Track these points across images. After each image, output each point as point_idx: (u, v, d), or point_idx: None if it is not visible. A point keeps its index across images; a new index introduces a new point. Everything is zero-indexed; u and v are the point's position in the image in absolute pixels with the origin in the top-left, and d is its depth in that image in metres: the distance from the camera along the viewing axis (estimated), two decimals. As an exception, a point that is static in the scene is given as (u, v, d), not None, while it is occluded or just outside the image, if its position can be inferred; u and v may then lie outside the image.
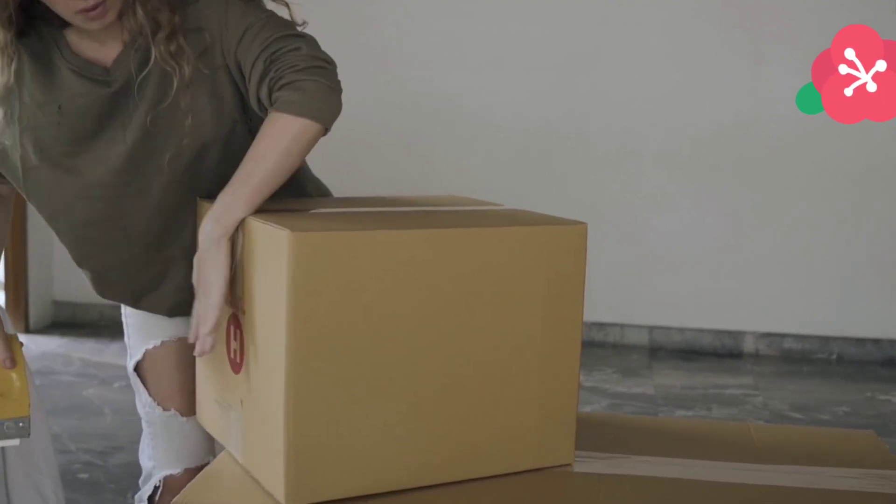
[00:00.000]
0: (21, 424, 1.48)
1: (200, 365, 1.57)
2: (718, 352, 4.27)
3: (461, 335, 1.36)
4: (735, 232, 4.24)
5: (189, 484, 1.38)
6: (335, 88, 1.44)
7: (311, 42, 1.47)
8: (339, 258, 1.28)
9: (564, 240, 1.43)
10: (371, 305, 1.30)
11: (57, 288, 4.44)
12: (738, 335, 4.28)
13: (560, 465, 1.46)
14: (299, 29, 1.50)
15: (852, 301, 4.20)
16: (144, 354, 1.73)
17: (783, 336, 4.25)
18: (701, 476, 1.45)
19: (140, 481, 1.77)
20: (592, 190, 4.27)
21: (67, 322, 4.42)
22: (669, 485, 1.42)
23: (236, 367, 1.40)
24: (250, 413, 1.38)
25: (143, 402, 1.75)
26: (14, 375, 1.49)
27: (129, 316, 1.77)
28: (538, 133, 4.30)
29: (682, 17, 4.17)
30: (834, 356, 4.22)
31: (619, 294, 4.34)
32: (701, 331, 4.30)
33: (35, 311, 4.31)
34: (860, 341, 4.21)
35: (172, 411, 1.70)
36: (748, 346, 4.27)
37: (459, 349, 1.36)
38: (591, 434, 1.58)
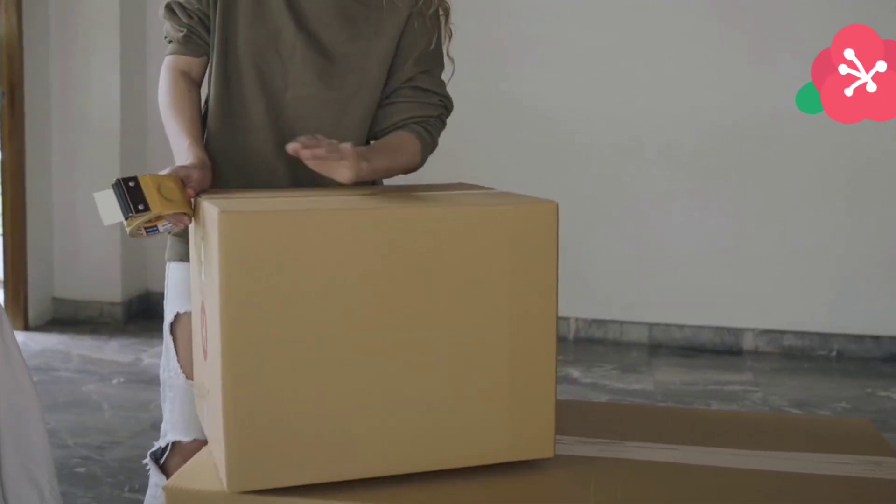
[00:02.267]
0: (141, 207, 1.43)
1: (194, 354, 1.57)
2: (718, 349, 4.26)
3: (418, 318, 1.31)
4: (735, 229, 4.24)
5: (178, 471, 1.38)
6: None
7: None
8: (272, 238, 1.24)
9: (532, 219, 1.35)
10: (312, 287, 1.26)
11: (57, 285, 4.44)
12: (737, 332, 4.27)
13: (538, 460, 1.40)
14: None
15: (852, 298, 4.19)
16: (176, 316, 1.73)
17: (783, 333, 4.24)
18: (693, 461, 1.45)
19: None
20: (592, 186, 4.26)
21: (67, 319, 4.42)
22: (662, 469, 1.42)
23: (205, 353, 1.40)
24: (212, 399, 1.35)
25: (169, 366, 1.75)
26: (179, 193, 1.45)
27: (172, 270, 1.77)
28: (537, 127, 4.30)
29: (684, 14, 4.17)
30: (834, 353, 4.21)
31: (619, 291, 4.33)
32: (701, 328, 4.29)
33: (34, 308, 4.32)
34: (860, 338, 4.20)
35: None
36: (748, 343, 4.26)
37: (420, 334, 1.31)
38: (577, 420, 1.58)
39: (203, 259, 1.37)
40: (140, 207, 1.41)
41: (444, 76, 1.82)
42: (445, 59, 1.80)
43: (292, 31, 1.68)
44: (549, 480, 1.39)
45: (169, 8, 1.73)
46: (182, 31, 1.72)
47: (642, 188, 4.27)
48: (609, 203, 4.28)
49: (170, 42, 1.75)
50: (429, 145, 1.76)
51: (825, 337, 4.22)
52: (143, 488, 2.69)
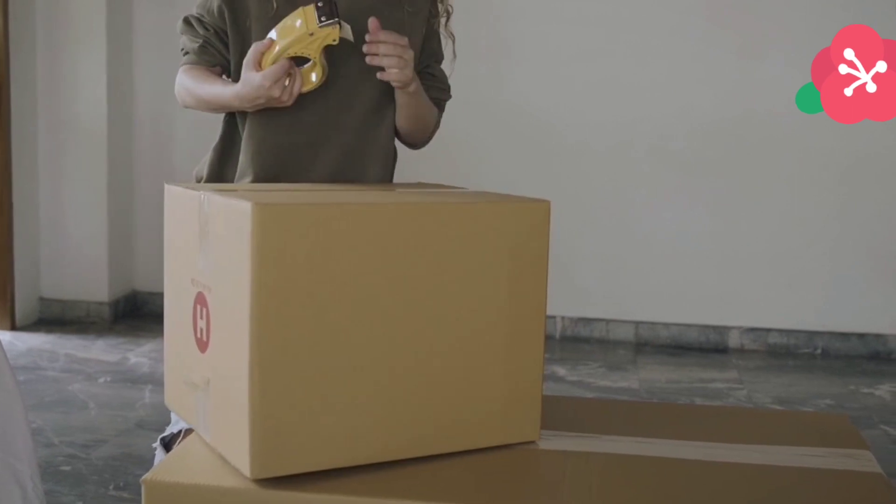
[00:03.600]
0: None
1: (168, 347, 1.57)
2: (704, 347, 4.29)
3: (427, 311, 1.37)
4: (721, 228, 4.26)
5: (157, 464, 1.39)
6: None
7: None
8: (303, 231, 1.28)
9: (527, 217, 1.44)
10: (335, 280, 1.30)
11: (44, 285, 4.44)
12: (723, 330, 4.29)
13: (525, 443, 1.47)
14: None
15: (837, 296, 4.22)
16: None
17: (768, 331, 4.27)
18: (667, 454, 1.46)
19: None
20: (579, 185, 4.28)
21: (54, 319, 4.42)
22: (635, 462, 1.43)
23: (203, 346, 1.41)
24: (217, 392, 1.38)
25: None
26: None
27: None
28: (526, 126, 4.31)
29: (675, 13, 4.18)
30: (819, 350, 4.24)
31: (606, 289, 4.35)
32: (687, 326, 4.31)
33: (21, 308, 4.32)
34: (845, 336, 4.22)
35: None
36: (733, 341, 4.28)
37: (426, 324, 1.37)
38: (559, 415, 1.59)
39: (204, 248, 1.38)
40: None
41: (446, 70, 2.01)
42: (448, 59, 2.00)
43: None
44: (525, 473, 1.40)
45: (186, 21, 1.86)
46: (198, 42, 1.83)
47: (630, 187, 4.29)
48: (596, 202, 4.30)
49: (185, 54, 1.87)
50: (438, 123, 1.96)
51: (810, 335, 4.24)
52: (127, 486, 2.71)
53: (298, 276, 1.29)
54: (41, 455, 2.88)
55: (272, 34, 1.69)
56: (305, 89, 1.73)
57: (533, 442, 1.48)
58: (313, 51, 1.68)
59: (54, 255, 4.40)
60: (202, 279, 1.40)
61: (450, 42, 1.96)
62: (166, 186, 1.53)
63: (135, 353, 3.95)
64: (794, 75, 4.03)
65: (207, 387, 1.40)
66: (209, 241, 1.38)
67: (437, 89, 1.95)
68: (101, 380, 3.62)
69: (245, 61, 1.70)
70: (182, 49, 1.87)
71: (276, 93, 1.67)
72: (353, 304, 1.32)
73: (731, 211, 4.25)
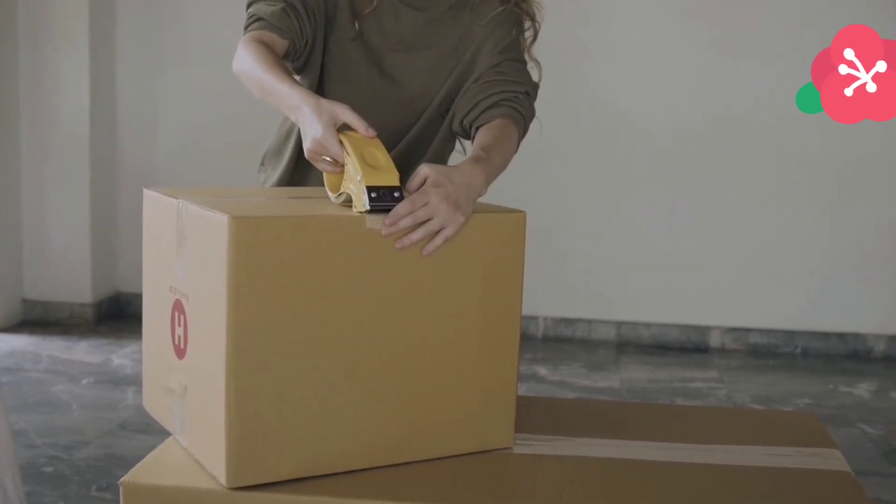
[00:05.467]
0: (396, 195, 1.38)
1: (146, 351, 1.59)
2: (685, 346, 4.32)
3: (402, 320, 1.39)
4: (701, 228, 4.29)
5: (134, 467, 1.41)
6: None
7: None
8: (278, 242, 1.30)
9: (503, 228, 1.46)
10: (310, 290, 1.32)
11: (27, 286, 4.45)
12: (704, 330, 4.32)
13: (499, 449, 1.49)
14: None
15: (817, 295, 4.26)
16: None
17: (749, 330, 4.30)
18: (635, 456, 1.49)
19: None
20: (560, 185, 4.30)
21: (37, 320, 4.42)
22: (606, 465, 1.46)
23: (181, 352, 1.42)
24: (194, 398, 1.40)
25: None
26: (377, 151, 1.42)
27: None
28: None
29: (660, 10, 4.20)
30: (799, 350, 4.27)
31: (588, 289, 4.37)
32: (668, 326, 4.34)
33: (4, 310, 4.32)
34: (824, 335, 4.26)
35: None
36: (714, 340, 4.32)
37: (400, 333, 1.39)
38: (533, 417, 1.61)
39: (182, 256, 1.40)
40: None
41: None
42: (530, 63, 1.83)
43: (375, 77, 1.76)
44: (497, 477, 1.43)
45: None
46: (278, 5, 1.64)
47: (610, 187, 4.31)
48: (577, 202, 4.32)
49: (255, 21, 1.66)
50: (522, 128, 1.73)
51: (790, 334, 4.28)
52: (110, 487, 2.72)
53: (274, 287, 1.30)
54: (23, 456, 2.89)
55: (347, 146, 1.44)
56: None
57: (507, 448, 1.50)
58: (346, 189, 1.44)
59: (37, 257, 4.40)
60: (180, 287, 1.41)
61: (530, 41, 1.84)
62: (145, 192, 1.54)
63: (118, 355, 3.96)
64: (786, 74, 4.06)
65: (185, 393, 1.42)
66: (187, 250, 1.40)
67: (507, 83, 1.74)
68: (85, 381, 3.63)
69: (329, 119, 1.44)
70: (251, 17, 1.67)
71: (317, 152, 1.46)
72: (328, 313, 1.34)
73: (711, 211, 4.27)
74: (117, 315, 4.54)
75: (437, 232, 1.39)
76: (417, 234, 1.38)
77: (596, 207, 4.33)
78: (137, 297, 4.91)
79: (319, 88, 1.77)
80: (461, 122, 1.76)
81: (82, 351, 4.01)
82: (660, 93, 4.24)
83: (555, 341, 4.35)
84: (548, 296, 4.30)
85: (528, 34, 1.84)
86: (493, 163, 1.56)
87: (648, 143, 4.26)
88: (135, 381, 3.62)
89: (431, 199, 1.37)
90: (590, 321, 4.39)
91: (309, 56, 1.74)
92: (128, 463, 2.86)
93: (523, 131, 1.75)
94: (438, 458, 1.45)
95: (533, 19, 1.84)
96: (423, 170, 1.42)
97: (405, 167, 1.77)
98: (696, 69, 4.21)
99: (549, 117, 4.36)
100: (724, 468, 1.45)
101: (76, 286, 4.41)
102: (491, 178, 1.53)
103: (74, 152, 4.35)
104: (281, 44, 1.66)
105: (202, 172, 4.31)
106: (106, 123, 4.47)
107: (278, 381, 1.33)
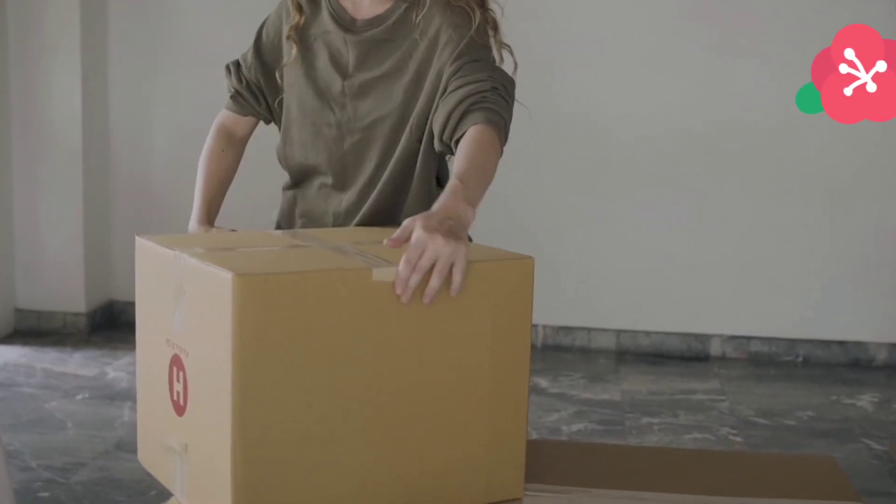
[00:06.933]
0: None
1: (142, 406, 1.54)
2: (685, 355, 4.28)
3: (409, 373, 1.35)
4: (700, 234, 4.25)
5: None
6: None
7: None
8: (284, 300, 1.26)
9: (510, 275, 1.42)
10: (317, 345, 1.28)
11: (19, 295, 4.39)
12: (704, 338, 4.29)
13: (509, 501, 1.45)
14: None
15: (817, 303, 4.22)
16: None
17: (749, 339, 4.26)
18: (657, 512, 1.45)
19: None
20: (558, 193, 4.26)
21: (29, 330, 4.36)
22: (625, 522, 1.42)
23: (180, 409, 1.38)
24: (196, 458, 1.35)
25: None
26: None
27: None
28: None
29: (655, 12, 4.15)
30: (800, 359, 4.24)
31: (587, 297, 4.33)
32: (668, 334, 4.31)
33: (-4, 320, 4.26)
34: (825, 343, 4.23)
35: None
36: (715, 349, 4.28)
37: (408, 386, 1.35)
38: (545, 465, 1.57)
39: (180, 310, 1.35)
40: None
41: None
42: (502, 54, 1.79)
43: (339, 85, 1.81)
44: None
45: (227, 68, 1.94)
46: (231, 91, 1.94)
47: (609, 195, 4.27)
48: (576, 209, 4.28)
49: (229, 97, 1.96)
50: (500, 126, 1.66)
51: (791, 343, 4.24)
52: (107, 514, 2.67)
53: (280, 344, 1.26)
54: (19, 480, 2.84)
55: None
56: None
57: (518, 499, 1.46)
58: None
59: (30, 266, 4.34)
60: (178, 341, 1.37)
61: (507, 53, 1.81)
62: (137, 240, 1.49)
63: (113, 367, 3.91)
64: (786, 79, 4.02)
65: (185, 452, 1.37)
66: (185, 304, 1.35)
67: (470, 84, 1.68)
68: (79, 396, 3.58)
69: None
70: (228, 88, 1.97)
71: None
72: (335, 368, 1.30)
73: (710, 217, 4.23)
74: (111, 324, 4.48)
75: (450, 272, 1.34)
76: (434, 282, 1.34)
77: (595, 215, 4.28)
78: (131, 306, 4.82)
79: (286, 134, 1.90)
80: (441, 140, 1.72)
81: (76, 363, 3.96)
82: (657, 96, 4.18)
83: (554, 350, 4.31)
84: (547, 304, 4.23)
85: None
86: (470, 185, 1.52)
87: (646, 149, 4.22)
88: (130, 395, 3.56)
89: (427, 244, 1.34)
90: (589, 330, 4.35)
91: (272, 111, 1.94)
92: (125, 487, 2.82)
93: (503, 129, 1.68)
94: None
95: (484, 7, 1.78)
96: (406, 222, 1.40)
97: (393, 199, 1.80)
98: (694, 70, 4.16)
99: (546, 123, 4.35)
100: (746, 526, 1.41)
101: (69, 295, 4.35)
102: (474, 199, 1.50)
103: (67, 159, 4.29)
104: (244, 120, 1.96)
105: (197, 180, 4.24)
106: (99, 129, 4.41)
107: (285, 440, 1.29)
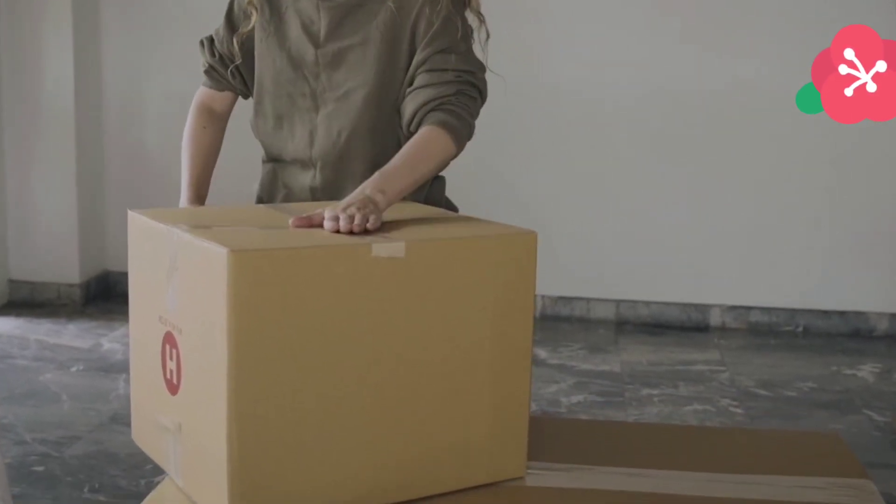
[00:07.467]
0: None
1: (135, 384, 1.51)
2: (685, 325, 4.25)
3: (409, 350, 1.32)
4: (701, 205, 4.21)
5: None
6: None
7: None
8: (280, 275, 1.22)
9: (513, 250, 1.39)
10: (313, 322, 1.25)
11: (12, 266, 4.34)
12: (704, 308, 4.26)
13: (512, 479, 1.43)
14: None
15: (818, 273, 4.19)
16: None
17: (749, 309, 4.24)
18: (661, 489, 1.41)
19: None
20: (557, 164, 4.21)
21: (23, 301, 4.33)
22: (630, 500, 1.38)
23: (173, 388, 1.34)
24: (190, 436, 1.32)
25: None
26: None
27: None
28: (503, 106, 4.22)
29: (672, 11, 4.11)
30: (800, 329, 4.21)
31: (586, 267, 4.30)
32: (667, 304, 4.28)
33: (-10, 292, 4.23)
34: (826, 313, 4.20)
35: None
36: (715, 319, 4.25)
37: (408, 364, 1.32)
38: (547, 442, 1.54)
39: (173, 287, 1.31)
40: None
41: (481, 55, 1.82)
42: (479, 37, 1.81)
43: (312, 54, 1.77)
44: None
45: (201, 43, 1.91)
46: (205, 66, 1.90)
47: (609, 165, 4.22)
48: (575, 180, 4.23)
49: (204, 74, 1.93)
50: (457, 128, 1.71)
51: (791, 313, 4.22)
52: (102, 488, 2.65)
53: (276, 321, 1.22)
54: (13, 454, 2.81)
55: None
56: None
57: (520, 478, 1.43)
58: None
59: (23, 236, 4.30)
60: (172, 319, 1.33)
61: (481, 23, 1.83)
62: (130, 214, 1.45)
63: (108, 339, 3.88)
64: (781, 56, 3.99)
65: (179, 431, 1.34)
66: (178, 280, 1.31)
67: (436, 87, 1.72)
68: (74, 368, 3.55)
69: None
70: (202, 66, 1.93)
71: None
72: (332, 345, 1.27)
73: (711, 188, 4.19)
74: (106, 295, 4.45)
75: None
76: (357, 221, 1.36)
77: (594, 185, 4.24)
78: (127, 276, 4.81)
79: (258, 106, 1.85)
80: (408, 130, 1.75)
81: (71, 335, 3.92)
82: (658, 65, 4.13)
83: (553, 320, 4.28)
84: (546, 274, 4.18)
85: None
86: (390, 177, 1.55)
87: (646, 118, 4.17)
88: (125, 367, 3.53)
89: (338, 212, 1.37)
90: (588, 300, 4.32)
91: (247, 84, 1.88)
92: (120, 461, 2.79)
93: (458, 130, 1.71)
94: (447, 493, 1.38)
95: None
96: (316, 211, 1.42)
97: (370, 173, 1.73)
98: (695, 39, 4.10)
99: (543, 94, 4.30)
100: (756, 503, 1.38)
101: (63, 265, 4.31)
102: (392, 190, 1.51)
103: (59, 128, 4.23)
104: (220, 95, 1.92)
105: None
106: (92, 100, 4.35)
107: (281, 421, 1.25)
